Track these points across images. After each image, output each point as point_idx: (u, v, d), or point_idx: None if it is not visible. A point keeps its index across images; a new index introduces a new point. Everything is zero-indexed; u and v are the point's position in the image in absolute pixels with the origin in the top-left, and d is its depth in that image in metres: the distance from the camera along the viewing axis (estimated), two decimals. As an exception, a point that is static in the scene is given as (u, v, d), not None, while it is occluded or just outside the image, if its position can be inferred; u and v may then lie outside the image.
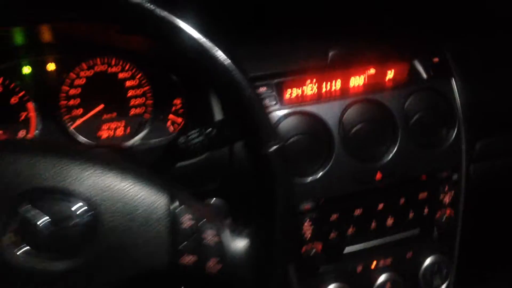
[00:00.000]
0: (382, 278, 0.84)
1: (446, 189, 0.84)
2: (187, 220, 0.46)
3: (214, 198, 0.74)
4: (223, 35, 0.46)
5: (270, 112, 0.67)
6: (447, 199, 0.85)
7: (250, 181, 0.49)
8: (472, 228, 0.91)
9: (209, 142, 0.60)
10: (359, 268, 0.83)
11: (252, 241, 0.48)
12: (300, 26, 0.80)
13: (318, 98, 0.78)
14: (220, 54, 0.44)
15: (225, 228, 0.48)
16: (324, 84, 0.80)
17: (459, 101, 0.83)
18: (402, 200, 0.82)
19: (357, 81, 0.82)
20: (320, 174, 0.76)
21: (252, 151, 0.47)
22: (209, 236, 0.47)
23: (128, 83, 0.75)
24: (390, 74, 0.83)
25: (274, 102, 0.75)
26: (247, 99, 0.46)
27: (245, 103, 0.46)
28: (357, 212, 0.80)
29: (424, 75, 0.84)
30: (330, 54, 0.79)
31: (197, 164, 0.69)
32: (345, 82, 0.81)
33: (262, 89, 0.74)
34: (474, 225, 0.92)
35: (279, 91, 0.76)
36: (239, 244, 0.48)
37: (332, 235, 0.79)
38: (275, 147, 0.47)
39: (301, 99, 0.78)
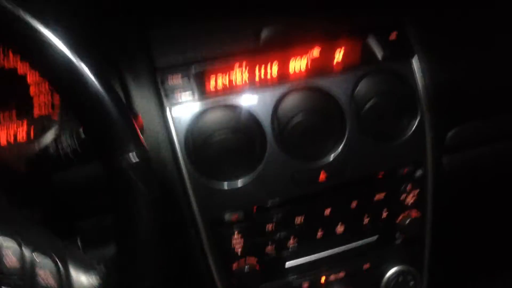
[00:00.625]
0: (333, 295, 0.77)
1: (409, 187, 0.78)
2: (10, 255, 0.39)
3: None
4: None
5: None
6: (410, 200, 0.78)
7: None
8: (443, 232, 0.84)
9: (82, 149, 0.53)
10: (305, 285, 0.77)
11: (104, 279, 0.42)
12: (225, 2, 0.72)
13: (250, 87, 0.71)
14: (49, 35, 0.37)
15: (71, 262, 0.41)
16: (257, 70, 0.72)
17: (421, 85, 0.77)
18: (354, 204, 0.76)
19: (297, 64, 0.74)
20: (250, 177, 0.70)
21: (104, 163, 0.41)
22: (43, 274, 0.40)
23: (30, 79, 0.68)
24: (338, 55, 0.76)
25: (192, 95, 0.68)
26: (92, 98, 0.39)
27: (89, 103, 0.39)
28: (298, 220, 0.73)
29: (379, 55, 0.77)
30: (263, 33, 0.72)
31: (84, 175, 0.62)
32: (284, 67, 0.73)
33: (175, 80, 0.67)
34: (446, 228, 0.85)
35: (200, 80, 0.70)
36: (88, 283, 0.42)
37: (269, 248, 0.73)
38: (134, 160, 0.40)
39: (228, 90, 0.71)
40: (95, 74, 0.40)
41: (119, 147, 0.41)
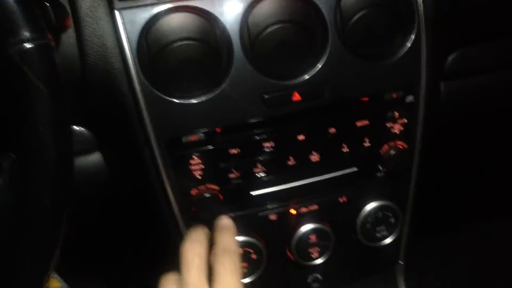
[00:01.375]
0: (304, 228, 0.78)
1: (396, 115, 0.75)
2: None
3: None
4: None
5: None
6: (396, 129, 0.76)
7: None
8: (432, 167, 0.83)
9: None
10: (273, 217, 0.76)
11: None
12: None
13: (217, -13, 0.66)
14: None
15: None
16: (227, -32, 0.67)
17: (420, -4, 0.71)
18: (331, 130, 0.73)
19: (276, -37, 0.68)
20: (214, 94, 0.67)
21: None
22: None
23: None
24: (326, -45, 0.70)
25: (147, -9, 0.63)
26: None
27: None
28: (267, 145, 0.71)
29: (375, -43, 0.71)
30: None
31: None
32: (258, -35, 0.68)
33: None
34: (435, 163, 0.83)
35: (158, -23, 0.64)
36: None
37: (233, 175, 0.71)
38: (28, 45, 0.36)
39: (192, -12, 0.66)
40: None
41: (8, 32, 0.37)
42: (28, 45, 0.38)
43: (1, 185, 0.41)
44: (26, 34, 0.38)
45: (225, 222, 0.70)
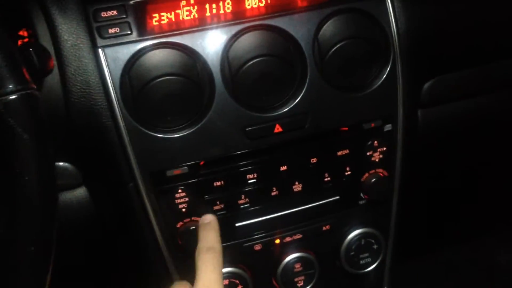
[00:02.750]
0: (289, 257, 0.78)
1: (376, 144, 0.76)
2: None
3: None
4: None
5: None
6: (376, 157, 0.76)
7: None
8: (414, 193, 0.83)
9: None
10: (258, 247, 0.76)
11: None
12: None
13: (200, 25, 0.68)
14: None
15: None
16: (208, 6, 0.68)
17: (395, 28, 0.74)
18: (313, 160, 0.75)
19: (254, 1, 0.70)
20: (196, 128, 0.68)
21: None
22: None
23: None
24: (303, -9, 0.72)
25: (129, 31, 0.64)
26: None
27: None
28: (251, 176, 0.72)
29: (350, -8, 0.73)
30: (214, -38, 0.67)
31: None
32: (238, 3, 0.69)
33: (110, 13, 0.63)
34: (416, 189, 0.84)
35: (140, 16, 0.66)
36: None
37: (217, 207, 0.71)
38: (11, 96, 0.36)
39: (175, 27, 0.67)
40: None
41: None
42: (12, 97, 0.39)
43: None
44: (10, 86, 0.39)
45: (209, 219, 0.70)
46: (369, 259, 0.84)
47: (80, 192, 0.75)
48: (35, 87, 0.41)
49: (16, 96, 0.39)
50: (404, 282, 1.28)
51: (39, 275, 0.43)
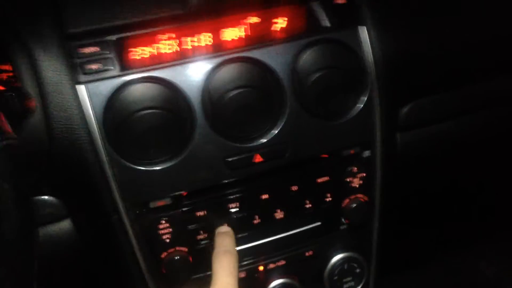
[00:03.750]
0: (273, 284, 0.79)
1: (355, 170, 0.77)
2: None
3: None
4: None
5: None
6: (356, 183, 0.77)
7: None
8: (394, 216, 0.84)
9: None
10: (242, 274, 0.77)
11: None
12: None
13: (180, 58, 0.69)
14: None
15: None
16: (187, 40, 0.69)
17: (370, 56, 0.76)
18: (294, 188, 0.76)
19: (232, 33, 0.72)
20: (178, 160, 0.69)
21: None
22: None
23: None
24: (280, 23, 0.73)
25: (111, 67, 0.64)
26: None
27: None
28: (232, 205, 0.73)
29: (325, 23, 0.75)
30: (192, -2, 0.69)
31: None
32: (216, 36, 0.71)
33: (92, 49, 0.64)
34: (396, 213, 0.85)
35: (122, 51, 0.68)
36: None
37: (201, 236, 0.72)
38: None
39: (156, 61, 0.69)
40: None
41: None
42: None
43: None
44: None
45: (225, 228, 0.73)
46: (352, 283, 0.85)
47: (65, 224, 0.75)
48: (14, 136, 0.42)
49: None
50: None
51: None
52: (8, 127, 0.42)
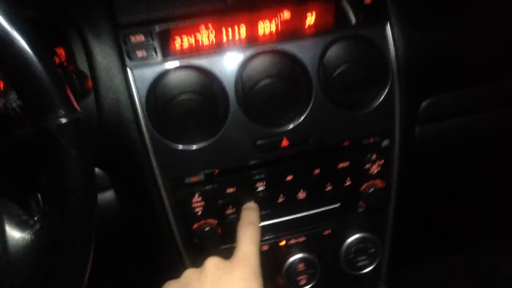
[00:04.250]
0: (293, 258, 0.86)
1: (374, 157, 0.83)
2: None
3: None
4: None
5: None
6: (374, 169, 0.84)
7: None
8: (408, 203, 0.90)
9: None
10: (265, 247, 0.84)
11: (37, 236, 0.48)
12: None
13: (215, 48, 0.76)
14: None
15: (6, 218, 0.47)
16: (224, 31, 0.76)
17: (393, 53, 0.80)
18: (316, 171, 0.82)
19: (266, 27, 0.78)
20: (212, 141, 0.76)
21: (33, 122, 0.46)
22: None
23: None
24: (310, 18, 0.79)
25: (155, 54, 0.72)
26: (20, 62, 0.44)
27: (16, 68, 0.44)
28: (260, 184, 0.79)
29: (353, 20, 0.80)
30: (231, -7, 0.75)
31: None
32: (251, 29, 0.77)
33: (138, 39, 0.71)
34: (411, 199, 0.91)
35: (165, 40, 0.74)
36: (22, 239, 0.48)
37: (229, 211, 0.79)
38: (64, 120, 0.45)
39: (193, 50, 0.75)
40: (26, 41, 0.45)
41: (47, 110, 0.46)
42: (63, 120, 0.47)
43: (41, 231, 0.50)
44: (61, 111, 0.47)
45: (251, 205, 0.79)
46: (366, 262, 0.91)
47: (109, 194, 0.82)
48: (80, 112, 0.49)
49: (67, 120, 0.47)
50: (405, 285, 1.34)
51: (83, 263, 0.51)
52: (75, 103, 0.49)
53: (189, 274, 0.66)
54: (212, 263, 0.66)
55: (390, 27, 0.80)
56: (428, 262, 1.47)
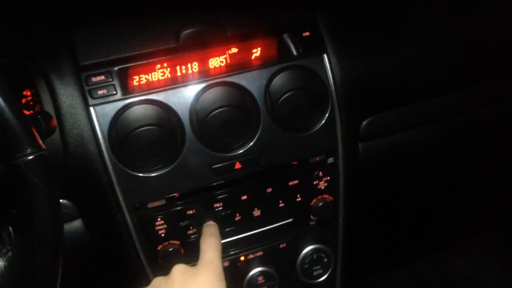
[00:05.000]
0: (252, 272, 0.92)
1: (321, 174, 0.91)
2: None
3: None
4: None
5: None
6: (322, 185, 0.91)
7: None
8: (358, 213, 0.98)
9: None
10: (226, 263, 0.90)
11: (9, 262, 0.54)
12: (146, 4, 0.82)
13: (172, 83, 0.83)
14: None
15: None
16: (178, 68, 0.83)
17: (331, 79, 0.89)
18: (269, 190, 0.89)
19: (216, 62, 0.85)
20: (171, 167, 0.82)
21: (4, 160, 0.52)
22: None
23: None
24: (256, 52, 0.87)
25: (114, 92, 0.78)
26: None
27: None
28: (217, 205, 0.86)
29: (294, 51, 0.88)
30: (182, 34, 0.82)
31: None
32: (203, 64, 0.85)
33: (99, 78, 0.78)
34: (360, 209, 0.99)
35: (123, 78, 0.81)
36: None
37: (191, 231, 0.85)
38: (30, 157, 0.51)
39: (151, 86, 0.82)
40: None
41: (16, 149, 0.53)
42: (30, 157, 0.53)
43: (13, 258, 0.56)
44: (29, 149, 0.53)
45: (211, 223, 0.86)
46: (321, 271, 0.98)
47: (77, 224, 0.87)
48: (45, 149, 0.56)
49: (33, 157, 0.54)
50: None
51: (53, 284, 0.57)
52: (40, 142, 0.56)
53: (158, 281, 0.73)
54: (179, 269, 0.72)
55: (327, 57, 0.89)
56: (392, 270, 1.54)
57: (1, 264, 0.56)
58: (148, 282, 0.75)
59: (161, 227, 0.85)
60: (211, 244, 0.77)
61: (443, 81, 1.02)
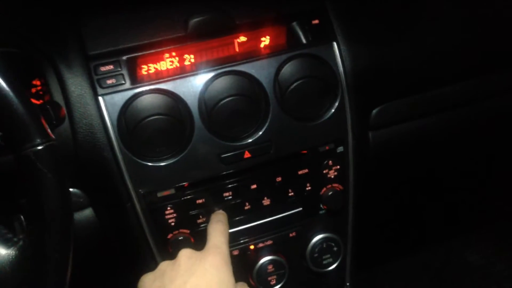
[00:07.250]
0: (262, 260, 0.91)
1: (331, 163, 0.89)
2: None
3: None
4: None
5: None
6: (331, 174, 0.90)
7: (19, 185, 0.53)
8: (368, 202, 0.97)
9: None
10: (235, 252, 0.89)
11: (21, 251, 0.53)
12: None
13: (181, 72, 0.81)
14: None
15: None
16: (187, 57, 0.82)
17: (341, 67, 0.87)
18: (278, 179, 0.88)
19: (225, 51, 0.84)
20: (180, 157, 0.81)
21: (13, 151, 0.51)
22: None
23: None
24: (265, 41, 0.86)
25: (123, 82, 0.77)
26: None
27: None
28: (226, 194, 0.85)
29: (304, 40, 0.87)
30: (191, 22, 0.81)
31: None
32: (211, 54, 0.83)
33: (108, 67, 0.77)
34: (370, 198, 0.97)
35: (132, 68, 0.80)
36: (7, 255, 0.53)
37: (200, 220, 0.85)
38: (39, 147, 0.50)
39: (159, 76, 0.81)
40: (3, 80, 0.51)
41: (25, 139, 0.52)
42: (39, 147, 0.53)
43: (24, 247, 0.55)
44: (38, 140, 0.53)
45: (219, 211, 0.86)
46: (330, 259, 0.97)
47: (87, 212, 0.87)
48: (54, 138, 0.55)
49: (42, 147, 0.53)
50: (380, 281, 1.40)
51: (63, 271, 0.57)
52: (49, 131, 0.55)
53: (164, 265, 0.72)
54: (185, 254, 0.72)
55: (337, 45, 0.87)
56: (401, 260, 1.53)
57: (12, 253, 0.55)
58: (156, 267, 0.75)
59: (170, 216, 0.84)
60: (217, 230, 0.77)
61: (455, 70, 1.00)
